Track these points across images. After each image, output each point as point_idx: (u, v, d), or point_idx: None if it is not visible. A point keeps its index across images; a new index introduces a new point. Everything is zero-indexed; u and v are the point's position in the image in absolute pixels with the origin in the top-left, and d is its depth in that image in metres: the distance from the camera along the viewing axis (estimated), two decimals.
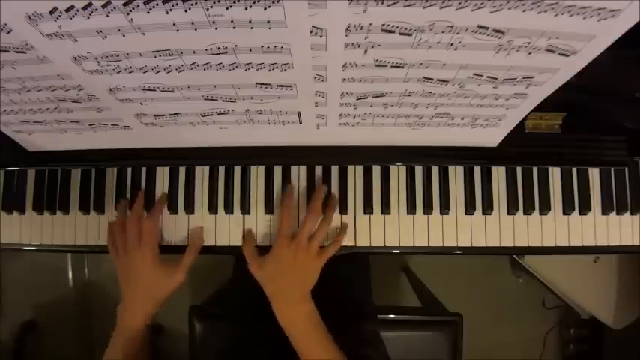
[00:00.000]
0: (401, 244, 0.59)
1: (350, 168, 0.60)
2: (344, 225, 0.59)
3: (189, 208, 0.60)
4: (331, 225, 0.58)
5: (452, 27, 0.32)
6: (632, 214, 0.59)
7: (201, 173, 0.60)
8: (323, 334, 0.54)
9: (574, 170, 0.60)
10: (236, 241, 0.59)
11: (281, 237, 0.54)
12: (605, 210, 0.59)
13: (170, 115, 0.47)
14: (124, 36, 0.33)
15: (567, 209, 0.59)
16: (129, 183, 0.61)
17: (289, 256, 0.53)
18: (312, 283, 0.55)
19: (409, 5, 0.30)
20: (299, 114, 0.47)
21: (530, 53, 0.36)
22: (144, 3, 0.30)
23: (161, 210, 0.59)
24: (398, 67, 0.38)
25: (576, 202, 0.59)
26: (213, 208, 0.60)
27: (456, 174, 0.60)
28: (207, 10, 0.30)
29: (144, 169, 0.61)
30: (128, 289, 0.56)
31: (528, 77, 0.40)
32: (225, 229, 0.59)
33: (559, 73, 0.39)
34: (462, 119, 0.49)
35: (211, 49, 0.35)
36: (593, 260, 1.01)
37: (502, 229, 0.59)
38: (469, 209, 0.59)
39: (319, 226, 0.55)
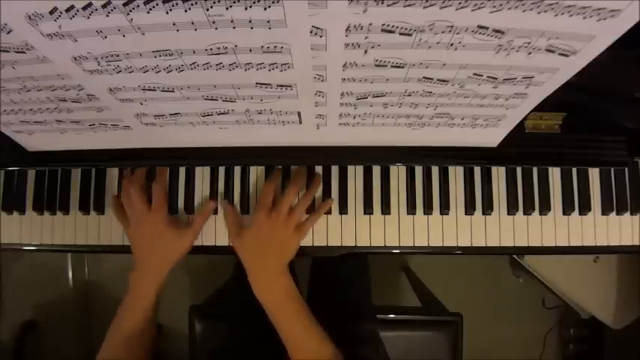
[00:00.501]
0: (401, 244, 0.59)
1: (350, 168, 0.60)
2: (325, 201, 0.58)
3: (189, 208, 0.60)
4: (311, 201, 0.57)
5: (452, 27, 0.32)
6: (632, 214, 0.59)
7: (201, 173, 0.61)
8: (302, 310, 0.53)
9: (574, 170, 0.60)
10: None
11: (261, 208, 0.54)
12: (605, 210, 0.59)
13: (170, 115, 0.47)
14: (124, 36, 0.33)
15: (567, 209, 0.59)
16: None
17: (268, 227, 0.53)
18: (290, 257, 0.55)
19: (409, 5, 0.30)
20: (299, 114, 0.47)
21: (530, 53, 0.35)
22: (144, 3, 0.30)
23: (165, 175, 0.59)
24: (398, 67, 0.38)
25: (576, 202, 0.59)
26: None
27: (456, 174, 0.60)
28: (207, 10, 0.30)
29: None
30: (141, 254, 0.56)
31: (528, 77, 0.40)
32: (225, 229, 0.59)
33: (559, 73, 0.39)
34: (462, 119, 0.49)
35: (211, 49, 0.35)
36: (593, 260, 1.01)
37: (502, 229, 0.59)
38: (469, 209, 0.59)
39: (300, 200, 0.56)
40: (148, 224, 0.55)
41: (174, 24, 0.32)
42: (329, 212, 0.59)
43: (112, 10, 0.31)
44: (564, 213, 0.59)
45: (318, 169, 0.60)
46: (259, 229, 0.54)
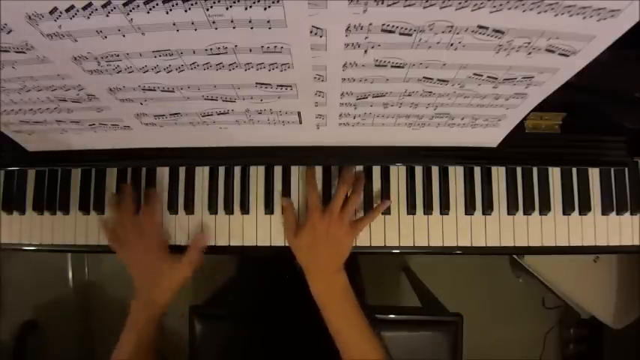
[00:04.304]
0: (401, 244, 0.59)
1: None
2: (383, 201, 0.58)
3: (189, 209, 0.60)
4: (361, 200, 0.58)
5: (452, 27, 0.32)
6: (632, 214, 0.59)
7: (201, 173, 0.61)
8: (357, 309, 0.54)
9: (574, 170, 0.60)
10: (236, 241, 0.59)
11: (313, 209, 0.54)
12: (605, 210, 0.59)
13: (170, 115, 0.47)
14: (124, 36, 0.33)
15: (567, 209, 0.59)
16: (129, 183, 0.61)
17: (322, 227, 0.54)
18: (345, 255, 0.55)
19: (409, 5, 0.30)
20: (299, 114, 0.47)
21: (530, 53, 0.35)
22: (144, 3, 0.30)
23: (154, 200, 0.58)
24: (398, 67, 0.38)
25: (576, 202, 0.59)
26: (213, 208, 0.60)
27: (456, 174, 0.60)
28: (207, 10, 0.30)
29: (144, 169, 0.61)
30: (139, 281, 0.56)
31: (528, 77, 0.40)
32: (225, 229, 0.59)
33: (559, 73, 0.39)
34: (462, 119, 0.49)
35: (211, 49, 0.35)
36: (593, 260, 1.01)
37: (502, 229, 0.59)
38: (469, 209, 0.59)
39: (350, 199, 0.56)
40: (140, 252, 0.55)
41: (174, 24, 0.32)
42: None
43: (112, 10, 0.31)
44: (564, 213, 0.59)
45: (318, 169, 0.60)
46: (314, 228, 0.54)
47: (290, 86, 0.41)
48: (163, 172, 0.61)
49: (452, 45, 0.35)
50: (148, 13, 0.31)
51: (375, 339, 0.53)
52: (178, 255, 0.57)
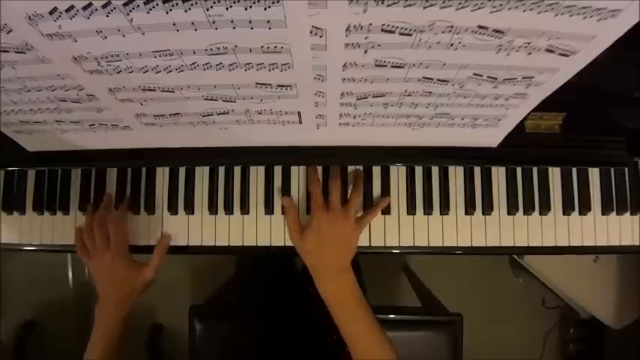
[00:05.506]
0: (401, 244, 0.59)
1: (350, 168, 0.60)
2: (384, 198, 0.59)
3: (189, 209, 0.60)
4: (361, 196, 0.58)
5: (452, 27, 0.32)
6: (632, 214, 0.59)
7: (201, 173, 0.61)
8: (365, 309, 0.53)
9: (574, 170, 0.60)
10: (236, 241, 0.59)
11: (317, 207, 0.54)
12: (605, 210, 0.59)
13: (170, 115, 0.47)
14: (124, 36, 0.33)
15: (567, 209, 0.59)
16: (129, 183, 0.61)
17: (329, 221, 0.53)
18: (352, 253, 0.55)
19: (409, 5, 0.30)
20: (299, 114, 0.47)
21: (530, 53, 0.35)
22: (144, 3, 0.30)
23: (126, 211, 0.59)
24: (398, 67, 0.38)
25: (576, 202, 0.59)
26: (213, 208, 0.60)
27: (456, 174, 0.60)
28: (207, 10, 0.30)
29: (144, 169, 0.61)
30: (103, 287, 0.57)
31: (528, 77, 0.40)
32: (225, 229, 0.60)
33: (559, 73, 0.39)
34: (462, 119, 0.49)
35: (211, 49, 0.35)
36: (593, 260, 1.01)
37: (502, 229, 0.59)
38: (469, 209, 0.59)
39: (352, 195, 0.56)
40: (108, 259, 0.56)
41: (174, 24, 0.32)
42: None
43: (112, 10, 0.31)
44: (564, 213, 0.59)
45: (318, 169, 0.60)
46: (320, 225, 0.54)
47: (290, 86, 0.41)
48: (163, 172, 0.61)
49: (452, 45, 0.35)
50: (148, 13, 0.31)
51: (386, 339, 0.53)
52: (141, 261, 0.58)
